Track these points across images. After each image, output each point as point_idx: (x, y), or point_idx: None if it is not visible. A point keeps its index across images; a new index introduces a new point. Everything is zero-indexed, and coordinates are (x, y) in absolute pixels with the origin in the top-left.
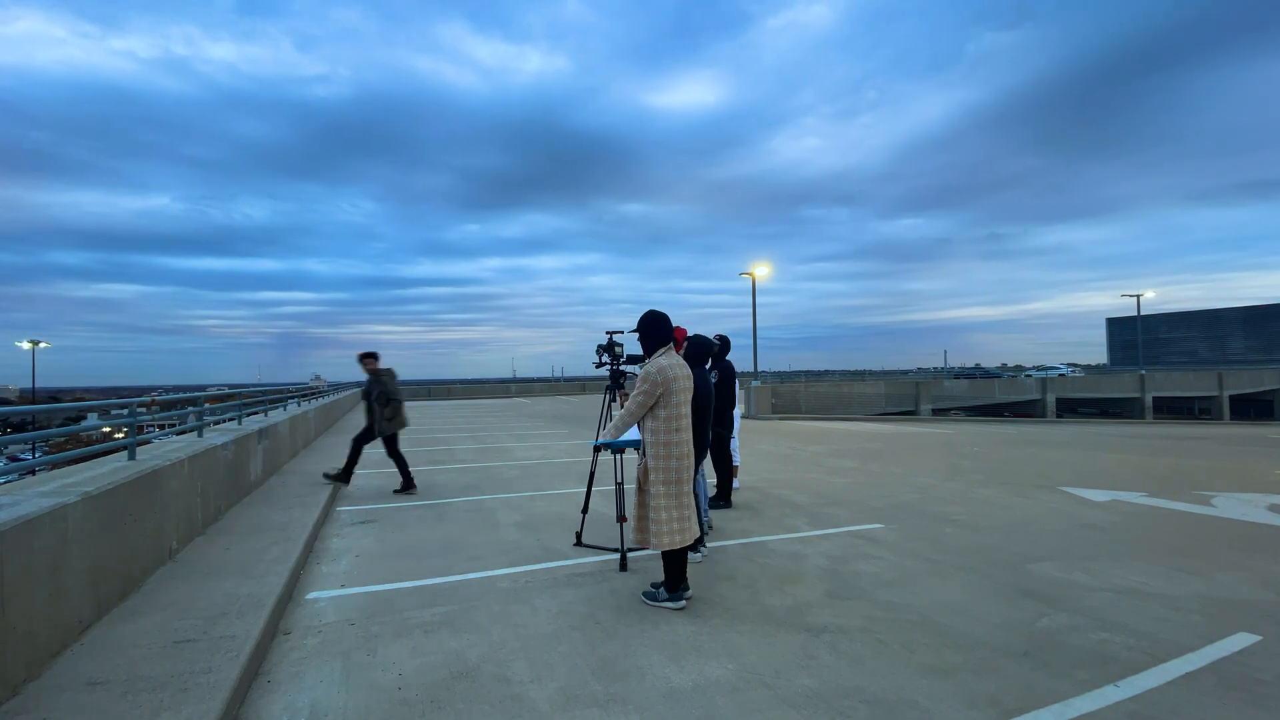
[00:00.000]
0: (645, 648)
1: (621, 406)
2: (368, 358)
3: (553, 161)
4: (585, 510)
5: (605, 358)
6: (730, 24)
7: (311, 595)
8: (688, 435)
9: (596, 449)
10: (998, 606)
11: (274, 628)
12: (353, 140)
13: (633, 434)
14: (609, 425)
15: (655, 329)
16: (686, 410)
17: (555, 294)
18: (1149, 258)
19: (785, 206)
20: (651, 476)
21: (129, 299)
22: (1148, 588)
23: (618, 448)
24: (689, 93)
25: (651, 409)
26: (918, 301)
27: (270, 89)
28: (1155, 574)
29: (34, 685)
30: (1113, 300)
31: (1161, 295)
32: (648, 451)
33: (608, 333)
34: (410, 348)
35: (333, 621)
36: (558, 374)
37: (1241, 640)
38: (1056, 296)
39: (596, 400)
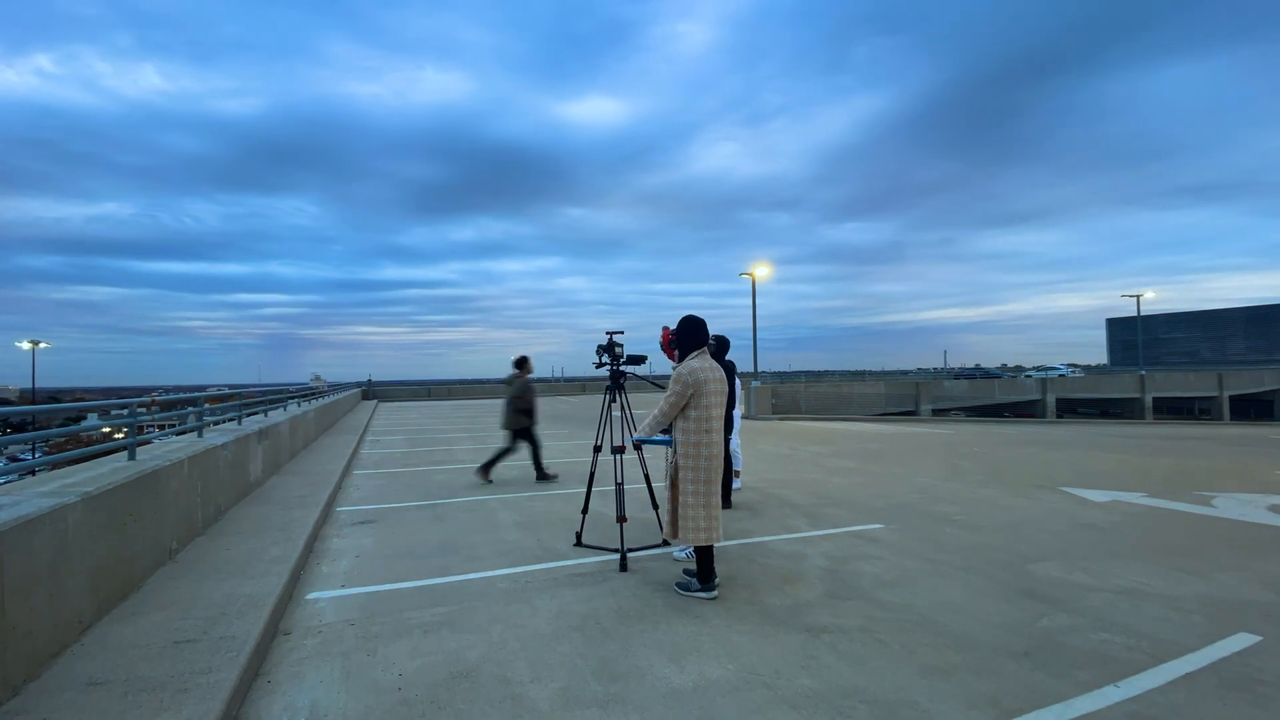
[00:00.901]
0: (645, 648)
1: (620, 407)
2: (522, 363)
3: (485, 170)
4: (585, 510)
5: (605, 358)
6: (615, 35)
7: (312, 595)
8: (718, 437)
9: (606, 448)
10: (998, 606)
11: (274, 628)
12: (280, 152)
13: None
14: (643, 423)
15: (688, 332)
16: (718, 412)
17: (530, 296)
18: (1103, 260)
19: (723, 210)
20: (682, 475)
21: (110, 301)
22: (1148, 588)
23: (650, 444)
24: (596, 104)
25: (683, 410)
26: (891, 303)
27: (182, 105)
28: (1155, 574)
29: (34, 685)
30: (1088, 301)
31: (1124, 300)
32: (678, 450)
33: (608, 333)
34: (401, 348)
35: (333, 622)
36: (557, 374)
37: (1241, 640)
38: (1030, 298)
39: (596, 400)
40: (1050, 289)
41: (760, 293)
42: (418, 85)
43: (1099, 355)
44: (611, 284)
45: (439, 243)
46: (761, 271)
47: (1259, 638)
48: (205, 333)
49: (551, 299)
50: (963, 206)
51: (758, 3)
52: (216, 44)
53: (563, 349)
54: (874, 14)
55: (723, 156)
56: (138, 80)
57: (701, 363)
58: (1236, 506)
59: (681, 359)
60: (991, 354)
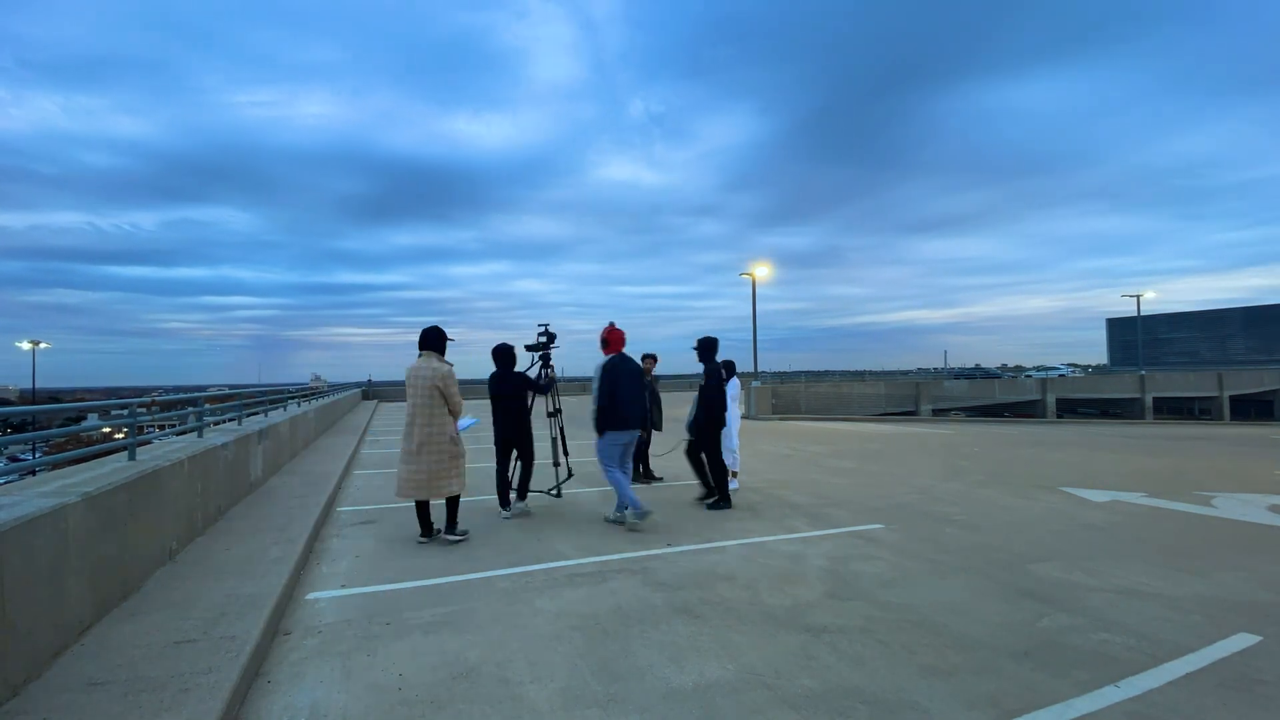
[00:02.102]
0: (645, 648)
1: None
2: (647, 359)
3: (398, 180)
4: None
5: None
6: (478, 49)
7: (312, 595)
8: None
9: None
10: (998, 607)
11: (274, 628)
12: (194, 167)
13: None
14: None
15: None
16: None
17: (495, 299)
18: (1045, 264)
19: (646, 216)
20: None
21: (84, 304)
22: (1148, 588)
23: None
24: (482, 118)
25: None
26: (854, 305)
27: (84, 123)
28: (1155, 574)
29: (34, 685)
30: (1051, 303)
31: (1077, 301)
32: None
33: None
34: (390, 349)
35: (333, 622)
36: (558, 374)
37: (1241, 640)
38: (991, 300)
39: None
40: (1006, 291)
41: (726, 297)
42: (302, 105)
43: (1076, 355)
44: (572, 286)
45: (382, 247)
46: (761, 272)
47: (1259, 638)
48: (191, 334)
49: (515, 300)
50: (878, 213)
51: (622, 13)
52: (103, 66)
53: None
54: (719, 20)
55: (621, 166)
56: (29, 101)
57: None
58: (1236, 506)
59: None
60: (969, 354)
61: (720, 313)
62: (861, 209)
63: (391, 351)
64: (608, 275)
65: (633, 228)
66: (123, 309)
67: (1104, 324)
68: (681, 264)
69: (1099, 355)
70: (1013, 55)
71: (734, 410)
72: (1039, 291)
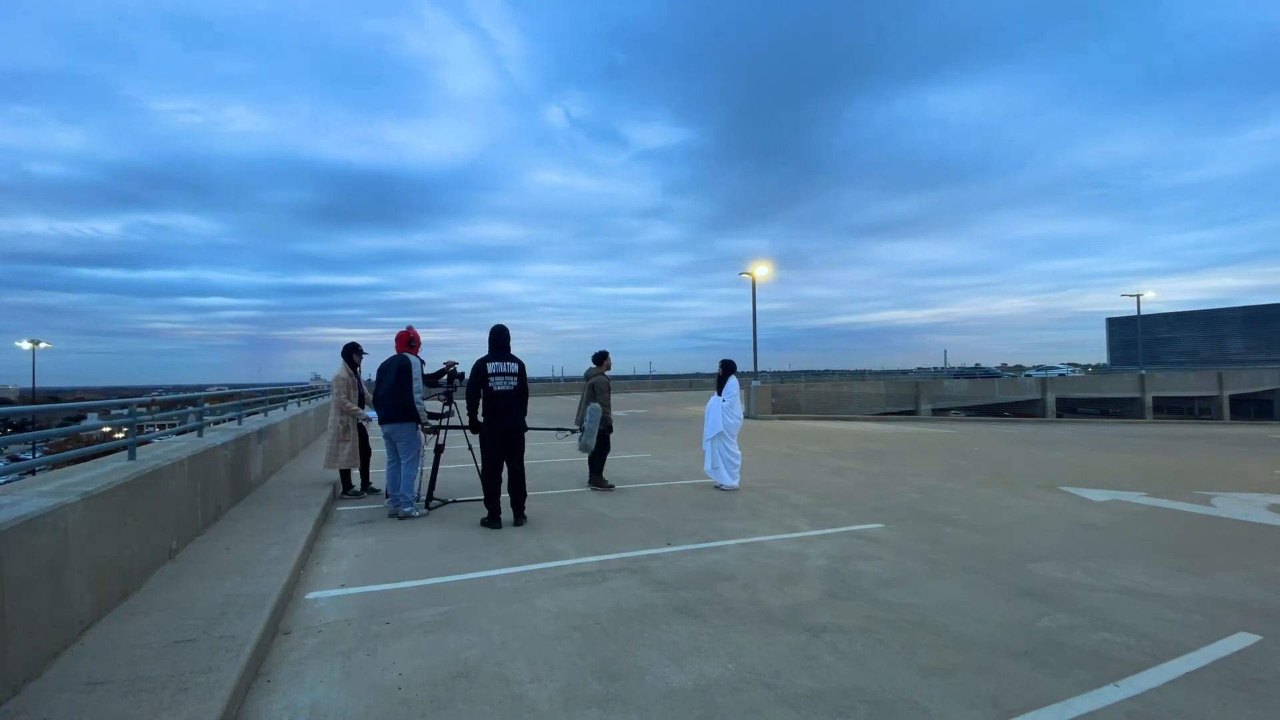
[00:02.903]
0: (645, 648)
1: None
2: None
3: (348, 189)
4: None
5: (442, 380)
6: (394, 60)
7: (311, 595)
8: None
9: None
10: (998, 606)
11: (274, 628)
12: (141, 173)
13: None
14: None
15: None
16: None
17: (473, 300)
18: (1004, 265)
19: (599, 219)
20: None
21: (69, 305)
22: (1148, 588)
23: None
24: (419, 127)
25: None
26: (834, 305)
27: (26, 134)
28: (1155, 574)
29: (34, 685)
30: (1026, 303)
31: (1050, 302)
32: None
33: (445, 363)
34: (386, 350)
35: (333, 621)
36: (558, 374)
37: (1241, 640)
38: (964, 301)
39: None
40: (976, 292)
41: (701, 298)
42: (229, 113)
43: (1059, 355)
44: (546, 287)
45: (347, 250)
46: (761, 271)
47: (1259, 638)
48: (178, 334)
49: (497, 302)
50: (824, 217)
51: (515, 23)
52: (33, 78)
53: (543, 348)
54: (638, 35)
55: (554, 171)
56: None
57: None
58: (1236, 506)
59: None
60: (955, 354)
61: (699, 313)
62: (805, 213)
63: (387, 352)
64: (578, 276)
65: (585, 230)
66: (105, 310)
67: (1078, 323)
68: (646, 265)
69: (1081, 354)
70: (922, 63)
71: (735, 410)
72: (1009, 293)
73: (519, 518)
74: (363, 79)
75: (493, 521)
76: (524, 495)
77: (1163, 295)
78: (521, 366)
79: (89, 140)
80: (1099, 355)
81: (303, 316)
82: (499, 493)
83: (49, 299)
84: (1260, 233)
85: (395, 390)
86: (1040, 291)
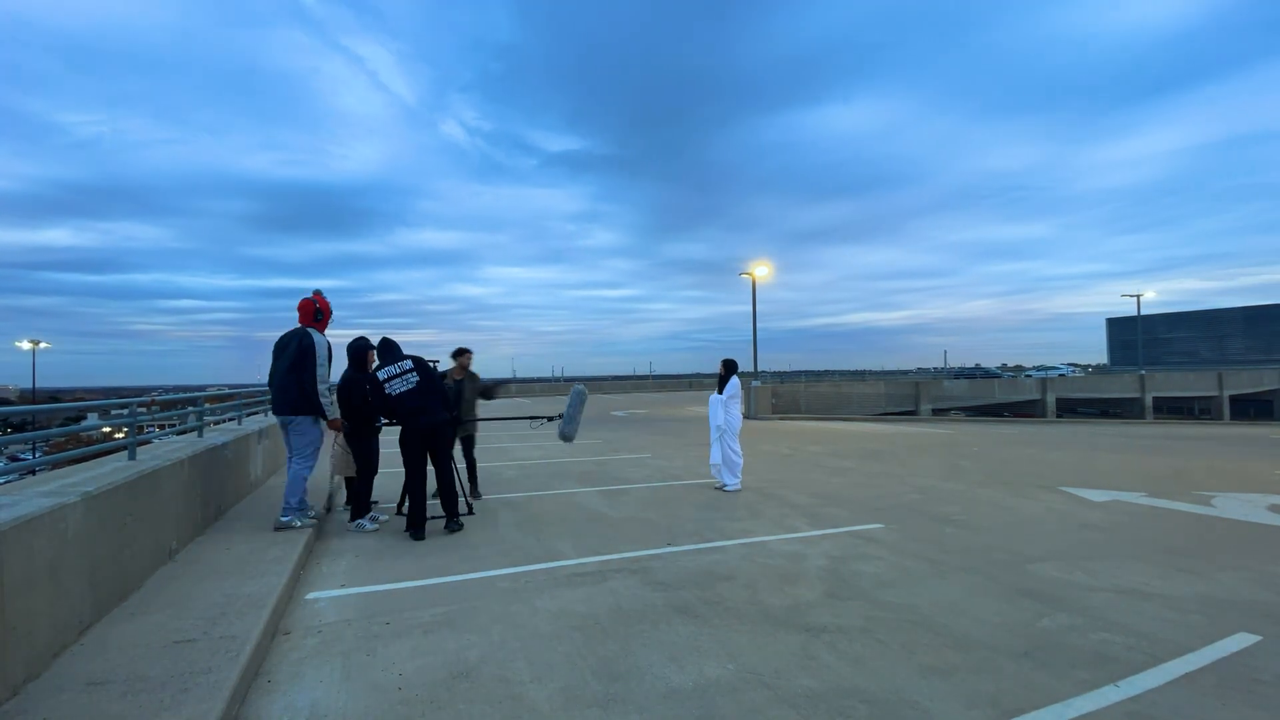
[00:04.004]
0: (645, 648)
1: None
2: (460, 354)
3: (282, 200)
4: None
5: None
6: (282, 75)
7: (311, 595)
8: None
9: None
10: (998, 606)
11: (274, 628)
12: (75, 186)
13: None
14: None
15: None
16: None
17: (443, 302)
18: (954, 269)
19: (540, 223)
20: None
21: (49, 307)
22: (1148, 588)
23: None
24: (335, 139)
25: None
26: (805, 308)
27: None
28: (1155, 574)
29: (34, 685)
30: (996, 305)
31: (1016, 303)
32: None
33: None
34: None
35: (332, 621)
36: (557, 374)
37: (1241, 640)
38: (931, 303)
39: (597, 400)
40: (939, 294)
41: (682, 301)
42: (137, 126)
43: (1035, 356)
44: (512, 289)
45: (305, 255)
46: (761, 271)
47: (1259, 638)
48: (165, 335)
49: (467, 304)
50: (753, 224)
51: (391, 46)
52: None
53: (524, 349)
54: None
55: (468, 181)
56: None
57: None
58: (1236, 506)
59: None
60: (934, 354)
61: (673, 315)
62: (735, 219)
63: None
64: (540, 280)
65: (525, 236)
66: (86, 312)
67: (1057, 324)
68: (602, 269)
69: (1061, 354)
70: (790, 83)
71: (735, 410)
72: (969, 295)
73: (450, 523)
74: (256, 94)
75: (416, 532)
76: (455, 497)
77: (1121, 299)
78: (418, 361)
79: (6, 154)
80: (1088, 355)
81: (282, 319)
82: (423, 499)
83: (28, 302)
84: (1195, 236)
85: (292, 373)
86: (1001, 294)
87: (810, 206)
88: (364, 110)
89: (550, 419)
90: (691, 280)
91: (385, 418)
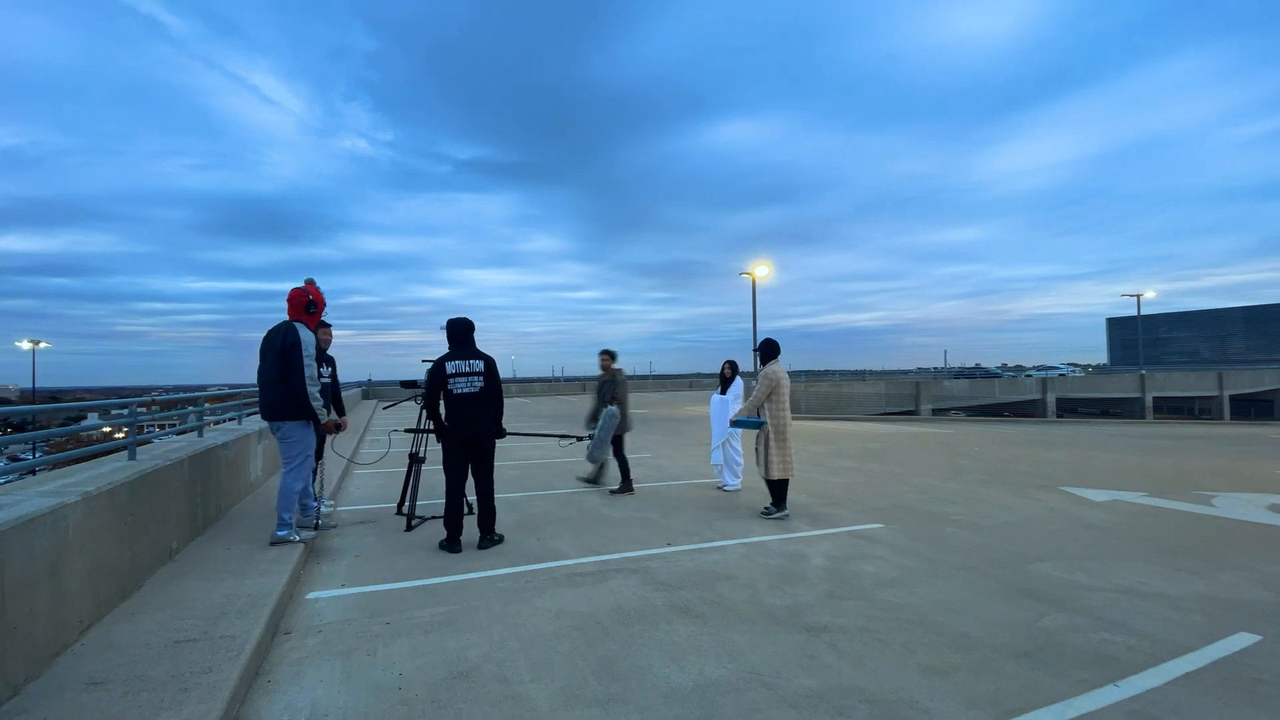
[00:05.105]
0: (645, 647)
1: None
2: (604, 355)
3: (223, 210)
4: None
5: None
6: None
7: (312, 595)
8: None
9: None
10: (998, 606)
11: (274, 627)
12: (13, 198)
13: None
14: (743, 405)
15: (767, 347)
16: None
17: (416, 304)
18: (913, 271)
19: (488, 229)
20: (773, 435)
21: (33, 309)
22: (1148, 588)
23: (751, 426)
24: (261, 151)
25: (769, 396)
26: (779, 309)
27: None
28: (1155, 574)
29: (34, 685)
30: (971, 306)
31: (989, 304)
32: (769, 423)
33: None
34: (363, 349)
35: (333, 621)
36: (558, 374)
37: (1241, 640)
38: (903, 303)
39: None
40: (902, 295)
41: (650, 302)
42: (56, 141)
43: (1028, 356)
44: (478, 291)
45: (258, 260)
46: (761, 271)
47: (1259, 638)
48: (152, 336)
49: (441, 306)
50: (693, 230)
51: (277, 72)
52: None
53: (511, 349)
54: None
55: (397, 192)
56: None
57: (774, 368)
58: (1236, 506)
59: (764, 364)
60: (919, 354)
61: (647, 316)
62: (672, 223)
63: (360, 351)
64: (503, 283)
65: (467, 238)
66: (71, 314)
67: (1028, 324)
68: (556, 271)
69: (1029, 355)
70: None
71: (736, 410)
72: (932, 296)
73: (485, 540)
74: (168, 109)
75: (451, 545)
76: (493, 513)
77: (1095, 299)
78: (489, 363)
79: None
80: (1088, 355)
81: (263, 320)
82: (461, 512)
83: (13, 304)
84: (1143, 236)
85: (279, 373)
86: (963, 295)
87: (737, 212)
88: (260, 119)
89: (579, 439)
90: (652, 283)
91: (428, 406)
